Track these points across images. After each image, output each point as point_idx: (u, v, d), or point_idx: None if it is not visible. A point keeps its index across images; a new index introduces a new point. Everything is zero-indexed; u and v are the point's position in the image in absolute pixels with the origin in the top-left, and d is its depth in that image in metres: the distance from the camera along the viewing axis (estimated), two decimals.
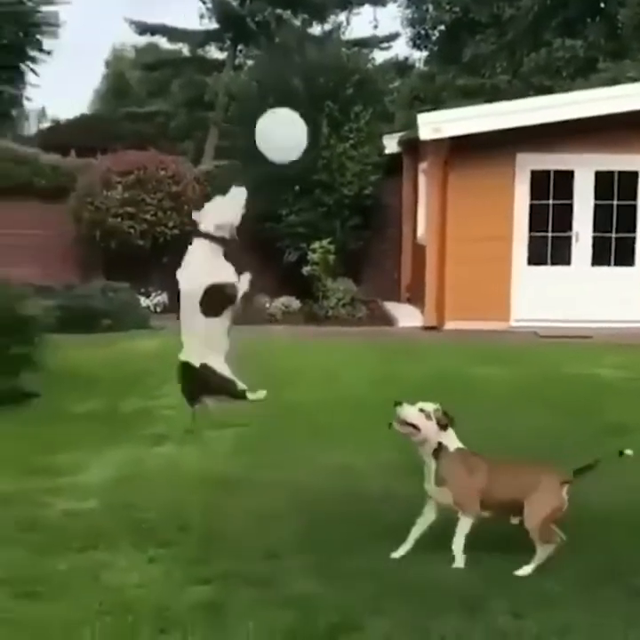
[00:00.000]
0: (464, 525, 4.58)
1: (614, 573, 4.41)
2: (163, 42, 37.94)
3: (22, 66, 8.69)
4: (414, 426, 4.60)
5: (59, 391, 8.56)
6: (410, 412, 4.61)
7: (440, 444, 4.62)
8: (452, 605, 4.04)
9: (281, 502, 5.45)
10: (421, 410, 4.62)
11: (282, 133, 4.78)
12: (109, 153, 16.50)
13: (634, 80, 19.82)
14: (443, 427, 4.62)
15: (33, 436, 7.06)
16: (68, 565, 4.55)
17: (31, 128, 41.70)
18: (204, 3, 35.25)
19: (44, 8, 8.59)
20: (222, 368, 4.79)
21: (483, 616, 3.96)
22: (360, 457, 6.38)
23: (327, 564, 4.50)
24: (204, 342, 4.76)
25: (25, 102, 9.11)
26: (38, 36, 8.58)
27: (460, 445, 4.68)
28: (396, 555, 4.63)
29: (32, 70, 8.71)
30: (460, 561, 4.52)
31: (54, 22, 8.53)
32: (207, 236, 4.77)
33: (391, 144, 16.18)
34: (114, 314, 13.20)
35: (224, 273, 4.82)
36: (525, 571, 4.42)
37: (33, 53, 8.63)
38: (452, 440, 4.65)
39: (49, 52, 8.71)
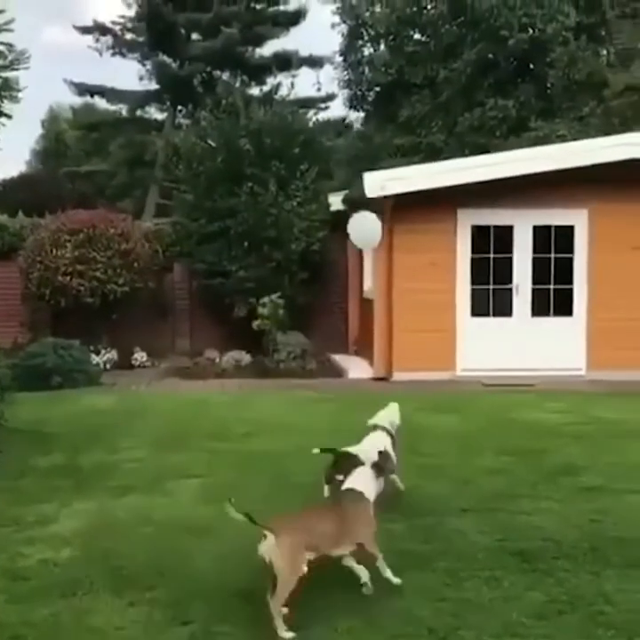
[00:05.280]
0: None
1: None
2: (100, 101, 38.23)
3: None
4: None
5: (20, 447, 8.67)
6: None
7: None
8: None
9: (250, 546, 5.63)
10: None
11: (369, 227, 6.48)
12: (57, 212, 16.61)
13: (564, 138, 20.68)
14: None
15: (2, 489, 7.16)
16: (52, 611, 4.68)
17: None
18: (144, 64, 35.75)
19: (4, 73, 8.78)
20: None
21: None
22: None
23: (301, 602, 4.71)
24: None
25: None
26: None
27: None
28: None
29: None
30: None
31: (15, 87, 8.74)
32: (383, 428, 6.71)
33: (335, 201, 16.60)
34: (65, 371, 13.20)
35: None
36: None
37: None
38: None
39: (10, 116, 8.92)
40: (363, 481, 5.14)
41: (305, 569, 4.53)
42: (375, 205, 13.54)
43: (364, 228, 6.92)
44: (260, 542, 4.52)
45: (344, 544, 4.80)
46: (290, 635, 4.36)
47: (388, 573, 4.89)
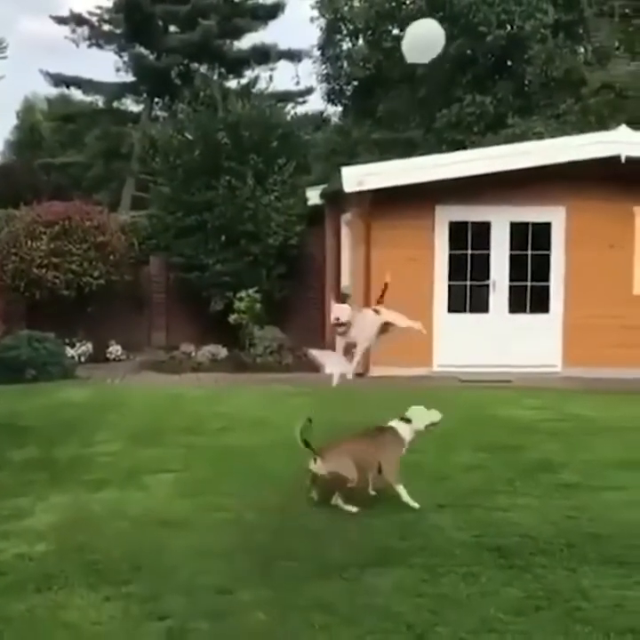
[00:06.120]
0: None
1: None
2: (76, 93, 37.93)
3: None
4: None
5: None
6: None
7: None
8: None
9: (227, 541, 5.60)
10: None
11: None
12: (32, 204, 16.44)
13: (541, 135, 20.75)
14: None
15: None
16: (27, 606, 4.62)
17: None
18: (121, 56, 35.49)
19: None
20: None
21: None
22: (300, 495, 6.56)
23: (279, 598, 4.69)
24: None
25: None
26: None
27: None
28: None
29: None
30: None
31: None
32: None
33: (313, 196, 16.58)
34: (39, 364, 13.09)
35: None
36: None
37: None
38: None
39: None
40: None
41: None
42: (353, 200, 13.54)
43: (423, 33, 5.39)
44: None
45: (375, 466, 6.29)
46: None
47: (407, 498, 6.18)
